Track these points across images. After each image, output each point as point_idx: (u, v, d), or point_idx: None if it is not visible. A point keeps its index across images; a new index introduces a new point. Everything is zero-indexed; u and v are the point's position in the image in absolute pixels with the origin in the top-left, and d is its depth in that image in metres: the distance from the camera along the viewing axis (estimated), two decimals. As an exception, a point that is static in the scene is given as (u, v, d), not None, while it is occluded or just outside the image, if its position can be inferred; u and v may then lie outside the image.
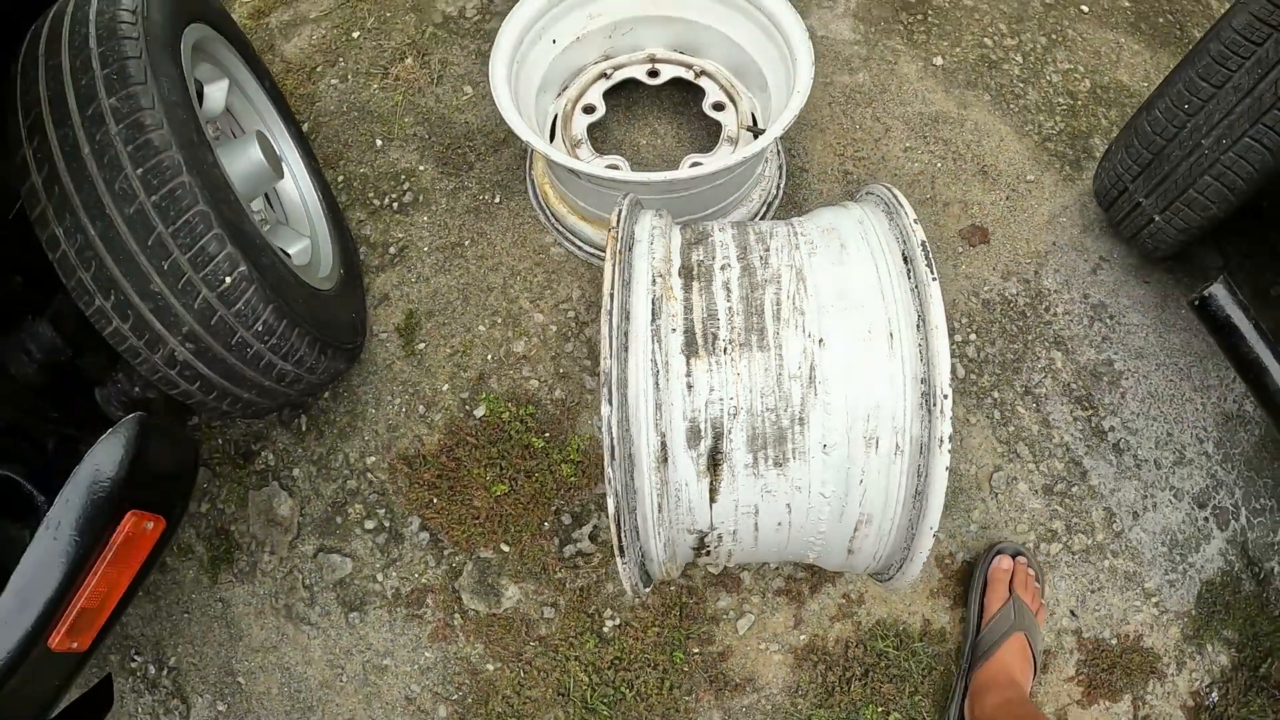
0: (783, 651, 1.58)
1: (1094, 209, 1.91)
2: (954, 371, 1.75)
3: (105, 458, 0.95)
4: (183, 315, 1.14)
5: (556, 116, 1.84)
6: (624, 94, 1.98)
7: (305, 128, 2.04)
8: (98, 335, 1.29)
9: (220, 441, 1.75)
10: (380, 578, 1.64)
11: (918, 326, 0.86)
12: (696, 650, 1.58)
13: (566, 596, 1.61)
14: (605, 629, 1.59)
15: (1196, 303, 1.17)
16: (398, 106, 2.06)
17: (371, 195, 1.95)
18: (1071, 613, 1.62)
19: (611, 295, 0.92)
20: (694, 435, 0.91)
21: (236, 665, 1.65)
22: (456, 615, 1.61)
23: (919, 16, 2.18)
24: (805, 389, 0.88)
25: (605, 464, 0.88)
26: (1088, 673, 1.60)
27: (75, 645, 1.00)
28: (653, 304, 0.94)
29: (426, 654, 1.60)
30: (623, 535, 0.91)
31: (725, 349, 0.92)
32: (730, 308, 0.92)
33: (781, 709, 1.55)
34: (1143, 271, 1.88)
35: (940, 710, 1.55)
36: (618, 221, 0.97)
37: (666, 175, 1.42)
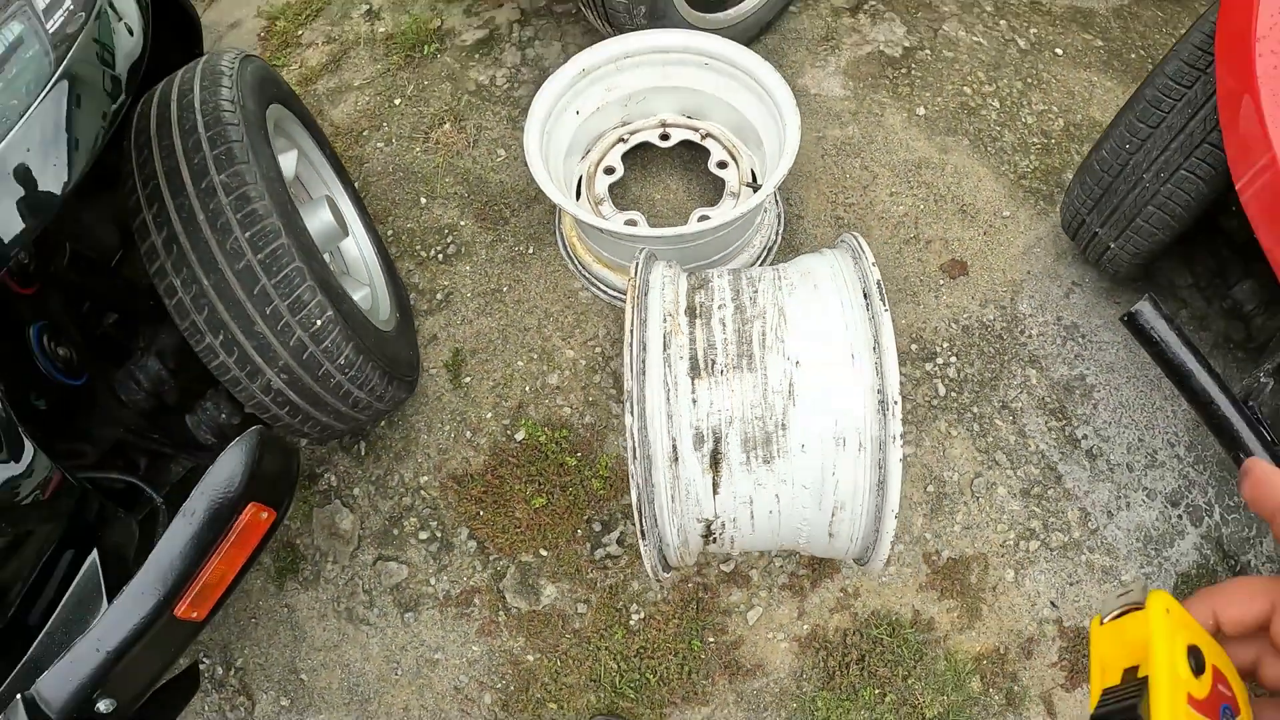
0: (788, 640, 1.76)
1: (1066, 239, 2.09)
2: (935, 390, 1.95)
3: (234, 459, 1.17)
4: (280, 351, 1.38)
5: (581, 177, 2.09)
6: (639, 155, 2.22)
7: (355, 186, 2.29)
8: (185, 370, 1.51)
9: (290, 465, 1.99)
10: (433, 581, 1.85)
11: (873, 349, 1.08)
12: (712, 640, 1.77)
13: (597, 594, 1.81)
14: (631, 622, 1.79)
15: (1125, 319, 1.35)
16: (439, 168, 2.31)
17: (419, 248, 2.19)
18: (1052, 603, 1.78)
19: (632, 331, 1.15)
20: (698, 439, 1.13)
21: (299, 664, 1.84)
22: (501, 613, 1.82)
23: (903, 70, 2.39)
24: (786, 401, 1.10)
25: (629, 462, 1.11)
26: (1070, 658, 1.75)
27: (195, 615, 1.20)
28: (664, 337, 1.17)
29: (474, 648, 1.80)
30: (644, 521, 1.13)
31: (722, 371, 1.14)
32: (725, 339, 1.15)
33: (788, 691, 1.73)
34: (1114, 293, 2.05)
35: (932, 692, 1.73)
36: (635, 272, 1.21)
37: (676, 230, 1.65)
